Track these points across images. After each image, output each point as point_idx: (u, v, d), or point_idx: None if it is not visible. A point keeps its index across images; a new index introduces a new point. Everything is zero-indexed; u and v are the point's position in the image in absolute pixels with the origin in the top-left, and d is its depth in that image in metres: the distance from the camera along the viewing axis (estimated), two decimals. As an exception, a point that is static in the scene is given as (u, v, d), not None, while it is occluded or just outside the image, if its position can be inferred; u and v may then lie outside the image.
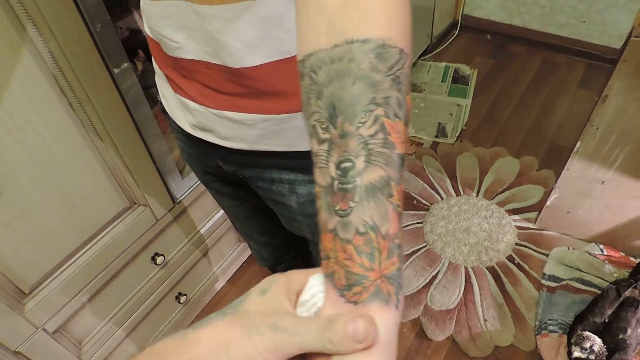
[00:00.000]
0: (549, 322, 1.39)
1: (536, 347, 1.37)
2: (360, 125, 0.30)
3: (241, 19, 0.50)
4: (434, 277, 1.57)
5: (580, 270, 1.51)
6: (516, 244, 1.64)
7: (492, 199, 1.79)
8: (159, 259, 1.22)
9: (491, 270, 1.57)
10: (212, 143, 0.67)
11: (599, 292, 1.39)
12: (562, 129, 2.06)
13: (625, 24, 2.18)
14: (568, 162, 1.44)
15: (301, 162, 0.65)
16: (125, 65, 0.94)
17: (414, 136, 2.10)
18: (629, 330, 1.22)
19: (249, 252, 1.64)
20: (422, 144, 2.06)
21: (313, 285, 0.30)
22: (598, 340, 1.24)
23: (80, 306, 1.07)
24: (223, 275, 1.60)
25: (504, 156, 1.96)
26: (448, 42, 2.61)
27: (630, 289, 1.29)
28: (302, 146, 0.63)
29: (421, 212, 1.77)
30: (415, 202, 1.82)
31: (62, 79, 0.84)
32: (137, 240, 1.15)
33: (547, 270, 1.53)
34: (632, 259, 1.52)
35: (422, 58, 2.50)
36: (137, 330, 1.27)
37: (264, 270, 1.21)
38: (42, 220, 0.92)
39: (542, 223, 1.66)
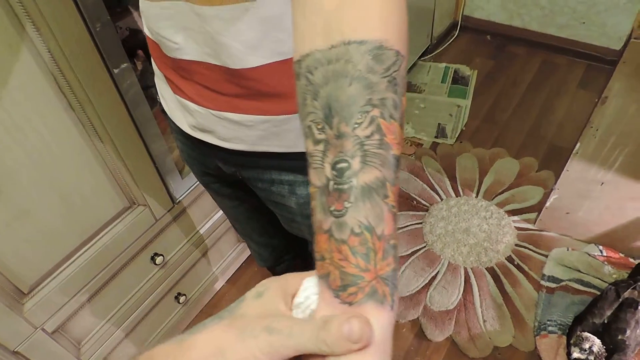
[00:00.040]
0: (548, 322, 1.39)
1: (535, 347, 1.37)
2: (356, 126, 0.30)
3: (241, 20, 0.50)
4: (434, 277, 1.57)
5: (579, 271, 1.51)
6: (515, 245, 1.64)
7: (492, 199, 1.79)
8: (159, 259, 1.22)
9: (490, 271, 1.57)
10: (211, 144, 0.67)
11: (598, 293, 1.39)
12: (561, 130, 2.06)
13: (625, 25, 2.18)
14: (568, 163, 1.44)
15: (301, 163, 0.65)
16: (125, 65, 0.94)
17: (414, 137, 2.10)
18: (628, 331, 1.22)
19: (248, 252, 1.64)
20: (421, 145, 2.06)
21: (307, 288, 0.30)
22: (597, 341, 1.24)
23: (79, 306, 1.07)
24: (222, 275, 1.60)
25: (503, 157, 1.96)
26: (448, 43, 2.61)
27: (629, 290, 1.29)
28: (302, 147, 0.62)
29: (421, 213, 1.77)
30: (414, 202, 1.82)
31: (61, 79, 0.84)
32: (137, 240, 1.15)
33: (547, 271, 1.53)
34: (631, 260, 1.52)
35: (422, 59, 2.50)
36: (136, 330, 1.27)
37: (264, 270, 1.21)
38: (42, 220, 0.92)
39: (542, 224, 1.66)
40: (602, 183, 1.42)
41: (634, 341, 1.23)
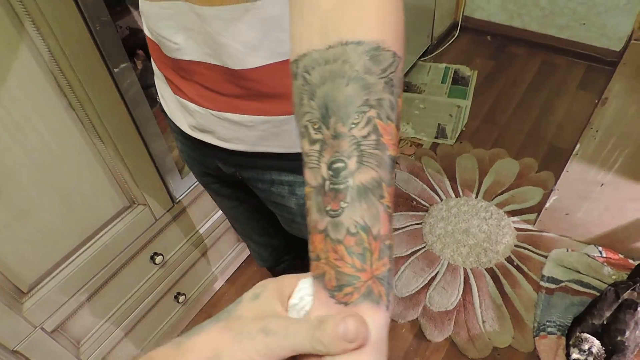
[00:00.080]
0: (547, 323, 1.39)
1: (535, 348, 1.37)
2: (353, 126, 0.30)
3: (241, 20, 0.50)
4: (433, 278, 1.57)
5: (579, 272, 1.50)
6: (515, 246, 1.64)
7: (492, 200, 1.79)
8: (158, 259, 1.22)
9: (490, 271, 1.57)
10: (211, 144, 0.67)
11: (598, 294, 1.39)
12: (561, 130, 2.06)
13: (625, 26, 2.18)
14: (567, 164, 1.44)
15: (301, 163, 0.65)
16: (125, 64, 0.94)
17: (414, 137, 2.10)
18: (627, 332, 1.22)
19: (247, 252, 1.65)
20: (421, 145, 2.06)
21: (302, 289, 0.30)
22: (596, 342, 1.24)
23: (78, 305, 1.07)
24: (222, 275, 1.60)
25: (503, 157, 1.96)
26: (448, 44, 2.61)
27: (628, 291, 1.29)
28: None
29: (420, 213, 1.77)
30: (414, 203, 1.82)
31: (61, 78, 0.84)
32: (136, 239, 1.15)
33: (546, 271, 1.53)
34: (630, 261, 1.52)
35: (422, 59, 2.50)
36: (135, 330, 1.28)
37: (263, 270, 1.21)
38: (42, 220, 0.92)
39: (541, 225, 1.66)
40: (602, 184, 1.42)
41: (633, 342, 1.23)
